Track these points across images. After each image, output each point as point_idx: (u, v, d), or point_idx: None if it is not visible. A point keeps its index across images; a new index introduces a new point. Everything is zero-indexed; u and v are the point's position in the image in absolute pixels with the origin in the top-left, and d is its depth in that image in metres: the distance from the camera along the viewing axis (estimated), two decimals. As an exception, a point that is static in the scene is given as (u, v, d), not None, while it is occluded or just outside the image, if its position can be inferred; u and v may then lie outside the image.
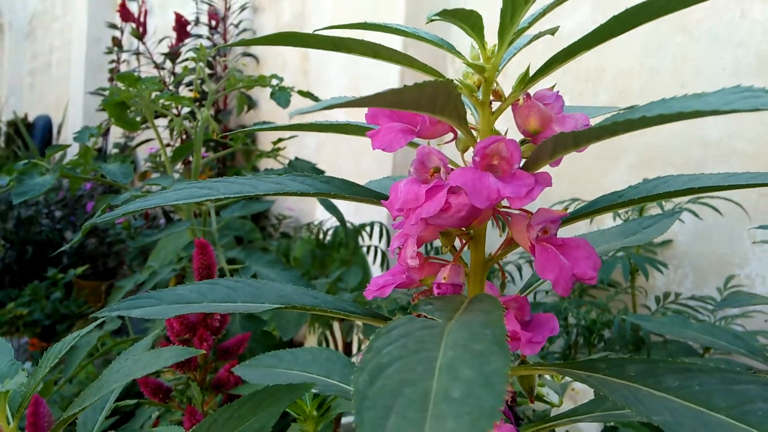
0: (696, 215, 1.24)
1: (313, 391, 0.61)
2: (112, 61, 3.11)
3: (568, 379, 0.65)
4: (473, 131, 0.42)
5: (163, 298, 0.46)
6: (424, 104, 0.33)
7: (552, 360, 1.25)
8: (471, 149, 0.41)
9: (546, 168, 0.40)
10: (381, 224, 1.69)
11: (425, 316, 0.33)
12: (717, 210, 1.24)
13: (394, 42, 1.72)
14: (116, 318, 1.17)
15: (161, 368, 0.40)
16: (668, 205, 1.26)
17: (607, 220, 1.46)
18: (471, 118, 0.44)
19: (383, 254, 1.69)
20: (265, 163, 2.33)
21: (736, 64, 1.33)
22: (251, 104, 2.49)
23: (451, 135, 0.44)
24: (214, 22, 2.62)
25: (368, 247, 1.71)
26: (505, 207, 0.42)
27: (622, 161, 1.51)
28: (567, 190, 1.55)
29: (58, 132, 4.12)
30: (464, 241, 0.44)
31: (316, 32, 0.37)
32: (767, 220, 1.27)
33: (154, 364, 0.39)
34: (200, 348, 0.75)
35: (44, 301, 2.53)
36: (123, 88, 1.02)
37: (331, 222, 1.78)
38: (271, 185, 0.40)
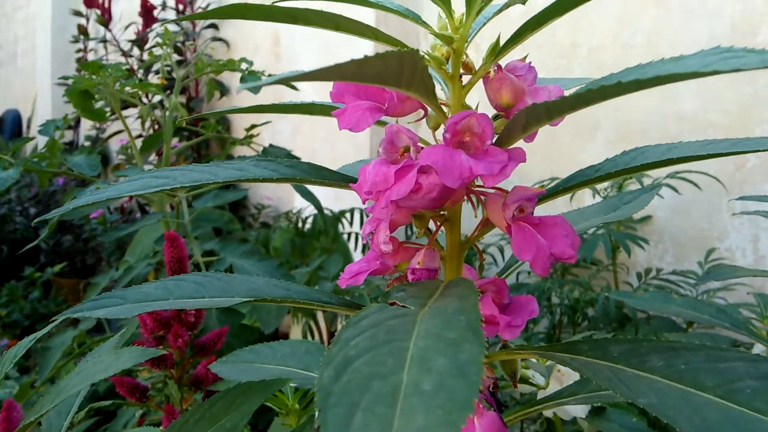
0: (675, 190, 1.24)
1: (292, 385, 0.59)
2: (79, 50, 3.03)
3: (550, 360, 0.63)
4: (444, 107, 0.40)
5: (128, 297, 0.44)
6: (389, 77, 0.31)
7: (536, 341, 1.24)
8: (443, 126, 0.40)
9: (521, 144, 0.39)
10: (361, 210, 1.67)
11: (398, 304, 0.31)
12: (695, 184, 1.24)
13: (366, 18, 1.69)
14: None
15: (124, 370, 0.38)
16: (647, 180, 1.26)
17: (586, 200, 1.45)
18: (441, 93, 0.42)
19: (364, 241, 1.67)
20: (241, 151, 2.30)
21: (711, 34, 1.32)
22: (223, 91, 2.44)
23: (421, 112, 0.42)
24: (181, 6, 2.55)
25: (349, 234, 1.69)
26: (479, 186, 0.40)
27: (599, 137, 1.50)
28: (544, 169, 1.54)
29: (28, 126, 4.02)
30: (439, 224, 0.42)
31: (274, 4, 0.35)
32: (744, 193, 1.28)
33: (113, 367, 0.37)
34: (175, 344, 0.73)
35: (22, 301, 2.48)
36: (87, 76, 0.98)
37: (310, 210, 1.76)
38: (232, 172, 0.38)
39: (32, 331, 2.43)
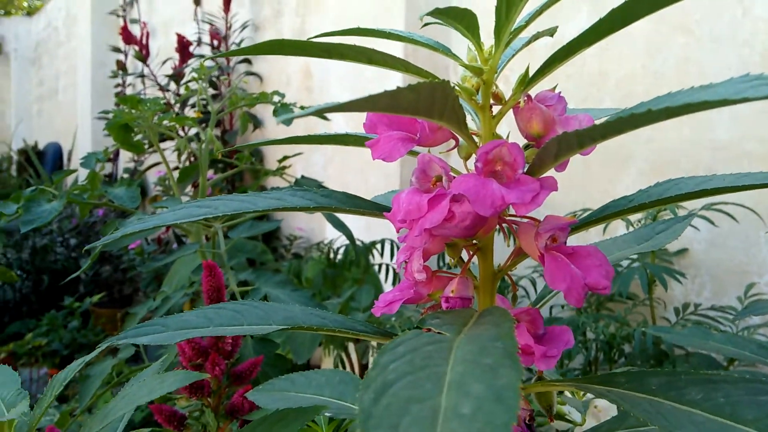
0: (711, 222, 1.21)
1: (327, 414, 0.60)
2: (117, 85, 3.14)
3: (590, 396, 0.62)
4: (475, 137, 0.41)
5: (170, 325, 0.45)
6: (421, 108, 0.32)
7: (572, 377, 1.22)
8: (474, 156, 0.40)
9: (552, 173, 0.39)
10: (392, 241, 1.68)
11: (433, 331, 0.32)
12: (731, 216, 1.22)
13: (395, 52, 1.72)
14: (131, 346, 1.16)
15: (166, 393, 0.39)
16: (681, 212, 1.24)
17: (619, 231, 1.43)
18: (472, 123, 0.43)
19: (395, 272, 1.67)
20: (274, 183, 2.33)
21: (741, 63, 1.31)
22: (257, 123, 2.50)
23: (452, 142, 0.43)
24: (216, 42, 2.64)
25: (380, 265, 1.70)
26: (511, 215, 0.40)
27: (631, 168, 1.49)
28: (576, 200, 1.53)
29: (68, 159, 4.16)
30: (471, 253, 0.43)
31: (309, 39, 0.36)
32: (784, 224, 1.25)
33: (158, 390, 0.37)
34: (212, 372, 0.74)
35: (62, 330, 2.53)
36: (126, 110, 1.02)
37: (341, 241, 1.77)
38: (270, 201, 0.39)
39: (71, 360, 2.46)
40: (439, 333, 0.31)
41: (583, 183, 1.54)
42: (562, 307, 1.40)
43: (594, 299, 1.38)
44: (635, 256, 1.27)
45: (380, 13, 1.89)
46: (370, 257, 1.69)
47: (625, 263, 1.30)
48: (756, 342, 0.68)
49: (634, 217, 1.27)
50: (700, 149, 1.37)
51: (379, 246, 1.68)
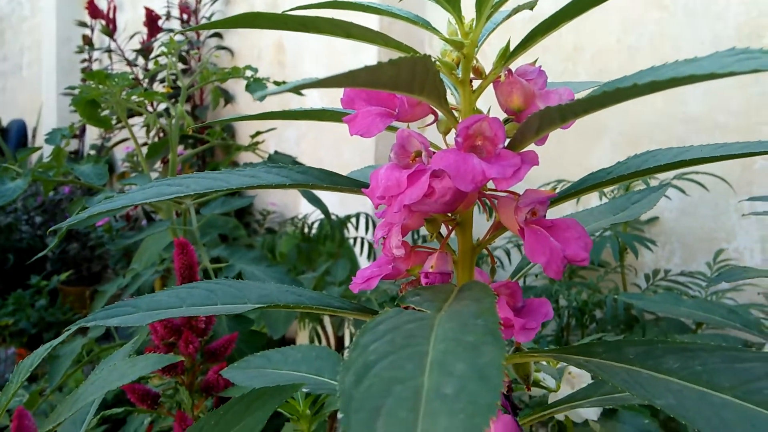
0: (682, 191, 1.24)
1: (304, 390, 0.59)
2: (84, 60, 3.04)
3: (563, 363, 0.63)
4: (454, 112, 0.40)
5: (141, 306, 0.44)
6: (402, 83, 0.31)
7: (545, 344, 1.24)
8: (453, 131, 0.40)
9: (531, 147, 0.39)
10: (367, 215, 1.67)
11: (413, 308, 0.31)
12: (702, 185, 1.24)
13: (369, 25, 1.70)
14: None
15: (138, 377, 0.38)
16: (654, 183, 1.25)
17: (593, 201, 1.45)
18: (452, 98, 0.42)
19: (370, 245, 1.67)
20: (246, 158, 2.30)
21: (714, 37, 1.32)
22: (228, 98, 2.45)
23: (431, 117, 0.43)
24: (185, 16, 2.57)
25: (355, 239, 1.69)
26: (491, 190, 0.40)
27: (605, 140, 1.50)
28: (551, 172, 1.54)
29: (33, 136, 4.04)
30: (451, 228, 0.42)
31: (284, 12, 0.35)
32: (752, 193, 1.27)
33: (129, 374, 0.37)
34: (186, 351, 0.73)
35: (29, 309, 2.48)
36: (93, 85, 0.99)
37: (316, 215, 1.76)
38: (245, 179, 0.38)
39: (39, 339, 2.43)
40: (419, 310, 0.31)
41: (557, 155, 1.55)
42: (536, 276, 1.42)
43: (567, 268, 1.40)
44: (607, 226, 1.28)
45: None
46: (345, 231, 1.69)
47: (597, 232, 1.32)
48: (725, 307, 0.70)
49: (608, 189, 1.28)
50: (673, 121, 1.39)
51: (354, 220, 1.67)
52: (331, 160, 1.96)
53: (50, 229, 0.36)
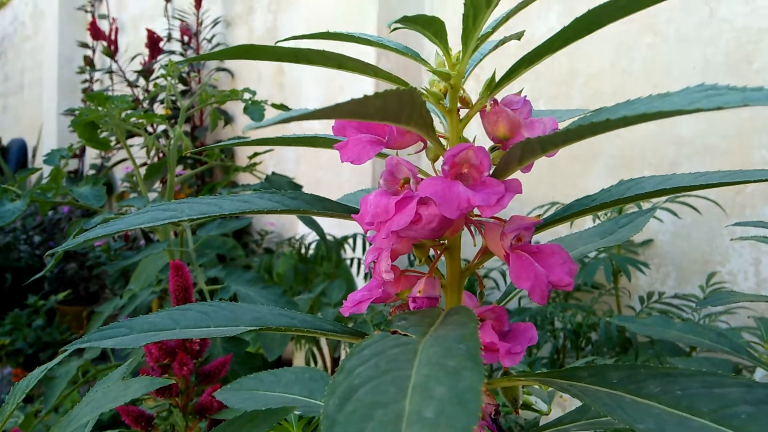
0: (674, 214, 1.25)
1: (297, 412, 0.60)
2: (85, 81, 3.07)
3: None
4: (443, 140, 0.42)
5: (135, 327, 0.45)
6: (389, 114, 0.32)
7: (539, 366, 1.24)
8: (441, 158, 0.41)
9: (517, 174, 0.40)
10: (363, 236, 1.68)
11: (399, 333, 0.32)
12: (695, 208, 1.25)
13: (367, 53, 1.72)
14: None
15: (131, 399, 0.39)
16: (647, 205, 1.27)
17: (587, 223, 1.46)
18: (440, 126, 0.43)
19: (367, 266, 1.67)
20: (245, 178, 2.31)
21: (705, 62, 1.34)
22: (228, 119, 2.47)
23: (421, 144, 0.44)
24: (186, 38, 2.60)
25: (351, 260, 1.70)
26: (477, 216, 0.41)
27: (599, 163, 1.52)
28: (546, 193, 1.55)
29: (33, 155, 4.06)
30: (439, 252, 0.43)
31: (277, 44, 0.36)
32: (744, 217, 1.29)
33: (122, 397, 0.37)
34: (180, 372, 0.73)
35: (26, 329, 2.47)
36: (92, 107, 1.00)
37: (313, 236, 1.77)
38: (237, 204, 0.39)
39: (36, 359, 2.42)
40: (404, 335, 0.31)
41: (552, 178, 1.57)
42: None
43: (562, 290, 1.41)
44: (595, 249, 1.29)
45: (353, 12, 1.89)
46: (342, 252, 1.69)
47: (592, 254, 1.33)
48: (715, 330, 0.70)
49: (601, 212, 1.30)
50: (665, 144, 1.41)
51: (351, 241, 1.68)
52: (329, 180, 1.97)
53: (47, 253, 0.37)
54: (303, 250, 1.73)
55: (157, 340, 0.46)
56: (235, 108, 2.56)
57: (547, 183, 1.57)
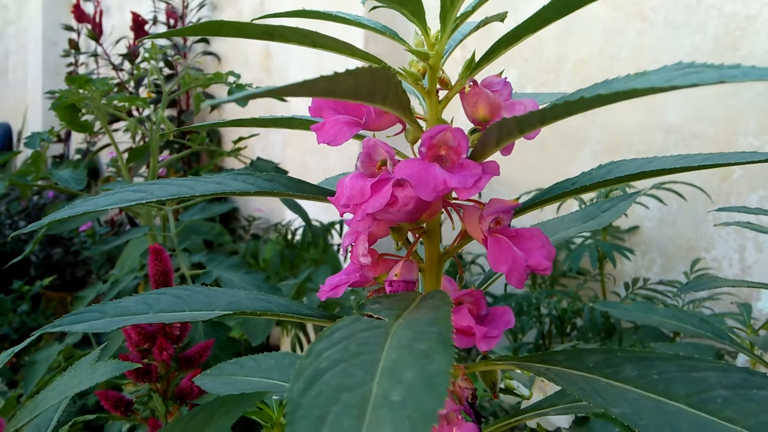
0: (660, 200, 1.25)
1: (275, 397, 0.59)
2: (70, 64, 3.03)
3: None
4: (421, 121, 0.41)
5: (107, 311, 0.44)
6: (362, 93, 0.31)
7: (524, 351, 1.25)
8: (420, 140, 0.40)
9: (497, 157, 0.39)
10: (350, 222, 1.67)
11: (372, 316, 0.32)
12: (681, 195, 1.26)
13: (356, 36, 1.70)
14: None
15: (97, 383, 0.38)
16: (632, 190, 1.27)
17: (574, 206, 1.46)
18: (419, 108, 0.42)
19: (354, 252, 1.67)
20: (231, 163, 2.30)
21: (694, 49, 1.34)
22: (214, 104, 2.44)
23: (400, 126, 0.43)
24: (172, 21, 2.56)
25: (339, 245, 1.69)
26: (456, 199, 0.40)
27: (586, 149, 1.52)
28: (534, 178, 1.55)
29: (18, 139, 4.01)
30: (417, 236, 0.43)
31: (253, 21, 0.35)
32: (730, 203, 1.29)
33: (87, 381, 0.37)
34: (160, 357, 0.73)
35: (11, 314, 2.45)
36: (73, 90, 0.98)
37: (300, 221, 1.76)
38: (210, 185, 0.38)
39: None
40: (378, 318, 0.31)
41: (540, 164, 1.56)
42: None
43: (548, 276, 1.41)
44: (588, 234, 1.30)
45: (339, -8, 1.86)
46: (329, 237, 1.69)
47: (578, 240, 1.33)
48: (697, 316, 0.70)
49: (589, 195, 1.30)
50: (652, 131, 1.41)
51: (338, 226, 1.67)
52: (316, 164, 1.96)
53: (14, 233, 0.36)
54: (289, 236, 1.72)
55: (129, 324, 0.45)
56: (221, 92, 2.54)
57: (536, 169, 1.56)
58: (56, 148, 3.27)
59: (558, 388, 0.64)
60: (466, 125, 0.41)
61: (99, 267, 2.23)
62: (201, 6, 2.58)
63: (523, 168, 1.57)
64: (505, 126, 0.32)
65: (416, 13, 0.36)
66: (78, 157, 2.88)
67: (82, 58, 3.08)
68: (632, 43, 1.44)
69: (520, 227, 0.40)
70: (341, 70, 0.27)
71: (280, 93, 0.25)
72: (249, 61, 2.52)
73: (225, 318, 0.93)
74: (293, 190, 0.40)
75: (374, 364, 0.25)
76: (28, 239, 2.91)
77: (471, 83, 0.39)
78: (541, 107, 0.30)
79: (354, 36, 1.69)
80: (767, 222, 1.18)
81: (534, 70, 1.59)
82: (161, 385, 0.73)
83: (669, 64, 0.27)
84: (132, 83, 2.17)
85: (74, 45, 2.85)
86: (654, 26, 1.40)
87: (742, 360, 0.80)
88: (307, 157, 1.99)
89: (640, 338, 1.11)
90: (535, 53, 1.57)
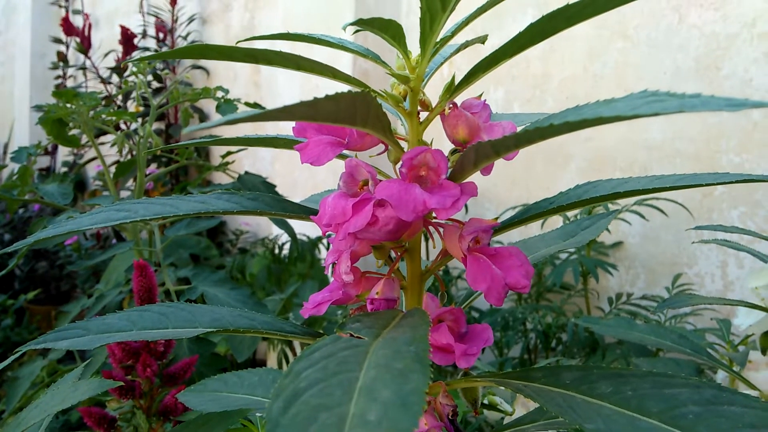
0: (643, 217, 1.27)
1: (258, 414, 0.59)
2: (58, 77, 3.02)
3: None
4: (403, 142, 0.42)
5: (91, 328, 0.45)
6: (342, 117, 0.32)
7: (509, 366, 1.25)
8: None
9: (476, 177, 0.40)
10: (338, 236, 1.67)
11: (352, 335, 0.32)
12: (662, 211, 1.27)
13: (343, 57, 1.72)
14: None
15: (80, 401, 0.38)
16: (615, 207, 1.29)
17: (558, 222, 1.47)
18: (401, 128, 0.43)
19: (341, 266, 1.67)
20: (219, 177, 2.30)
21: (676, 67, 1.37)
22: (202, 118, 2.45)
23: (382, 146, 0.44)
24: (161, 35, 2.57)
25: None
26: (436, 218, 0.41)
27: (571, 166, 1.54)
28: (519, 195, 1.56)
29: (4, 152, 3.98)
30: (399, 254, 0.43)
31: (238, 44, 0.36)
32: (712, 220, 1.31)
33: (70, 398, 0.37)
34: (143, 374, 0.72)
35: (-6, 329, 2.42)
36: (60, 104, 0.99)
37: (287, 236, 1.76)
38: (194, 204, 0.39)
39: (4, 359, 2.36)
40: (357, 337, 0.31)
41: (526, 180, 1.58)
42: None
43: (534, 290, 1.42)
44: (573, 249, 1.31)
45: (330, 10, 1.88)
46: (317, 251, 1.69)
47: (563, 255, 1.34)
48: (677, 332, 0.72)
49: (573, 212, 1.31)
50: (635, 148, 1.43)
51: (325, 241, 1.68)
52: (305, 180, 1.96)
53: (1, 251, 0.36)
54: (277, 251, 1.72)
55: (113, 342, 0.45)
56: (210, 106, 2.54)
57: (521, 186, 1.58)
58: (43, 161, 3.25)
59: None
60: (449, 146, 0.42)
61: (84, 281, 2.22)
62: (190, 20, 2.59)
63: (510, 184, 1.59)
64: (481, 149, 0.33)
65: (396, 38, 0.37)
66: (65, 170, 2.87)
67: (70, 71, 3.08)
68: (615, 62, 1.47)
69: (499, 246, 0.41)
70: (327, 85, 0.28)
71: (262, 118, 0.26)
72: (238, 75, 2.53)
73: (210, 335, 0.93)
74: (277, 209, 0.41)
75: (352, 383, 0.26)
76: (12, 253, 2.88)
77: (450, 105, 0.40)
78: (518, 130, 0.31)
79: (342, 55, 1.70)
80: (748, 239, 1.20)
81: (520, 87, 1.61)
82: (145, 402, 0.73)
83: (635, 92, 0.28)
84: (120, 97, 2.17)
85: (63, 57, 2.85)
86: (637, 45, 1.43)
87: (721, 376, 0.81)
88: (296, 171, 1.99)
89: (624, 353, 1.12)
90: (521, 71, 1.60)
